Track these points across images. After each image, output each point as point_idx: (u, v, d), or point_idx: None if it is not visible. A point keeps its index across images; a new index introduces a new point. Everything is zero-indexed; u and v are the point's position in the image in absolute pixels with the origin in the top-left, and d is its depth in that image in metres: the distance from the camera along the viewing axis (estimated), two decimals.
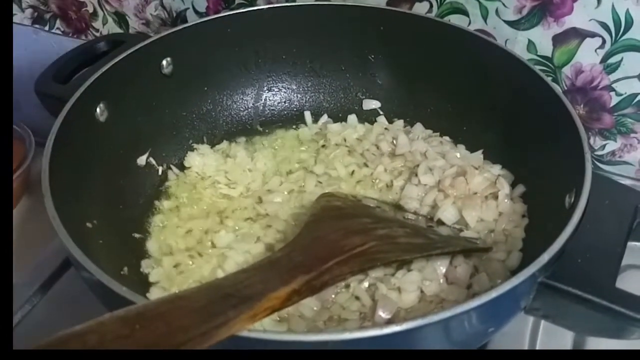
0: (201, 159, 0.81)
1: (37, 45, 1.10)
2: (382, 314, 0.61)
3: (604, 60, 0.79)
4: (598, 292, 0.50)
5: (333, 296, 0.64)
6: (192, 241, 0.71)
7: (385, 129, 0.86)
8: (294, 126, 0.88)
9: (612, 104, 0.82)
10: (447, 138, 0.83)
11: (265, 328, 0.60)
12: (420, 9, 0.84)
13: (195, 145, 0.82)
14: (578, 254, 0.53)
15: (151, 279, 0.67)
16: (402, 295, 0.63)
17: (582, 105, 0.84)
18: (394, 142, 0.82)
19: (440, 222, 0.72)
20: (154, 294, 0.65)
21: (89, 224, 0.61)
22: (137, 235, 0.71)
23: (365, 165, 0.81)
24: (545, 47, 0.81)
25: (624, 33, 0.76)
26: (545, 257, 0.48)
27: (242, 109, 0.87)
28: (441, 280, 0.65)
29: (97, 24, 1.05)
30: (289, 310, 0.62)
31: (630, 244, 0.55)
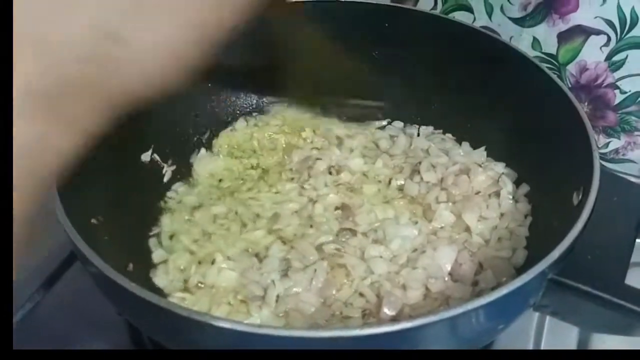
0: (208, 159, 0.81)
1: None
2: (387, 311, 0.61)
3: (608, 57, 0.79)
4: (607, 289, 0.50)
5: (334, 292, 0.64)
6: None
7: (380, 128, 0.85)
8: None
9: (616, 102, 0.83)
10: (449, 135, 0.83)
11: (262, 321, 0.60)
12: (424, 5, 0.84)
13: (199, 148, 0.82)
14: (587, 251, 0.52)
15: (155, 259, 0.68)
16: (407, 293, 0.63)
17: (586, 103, 0.84)
18: (394, 140, 0.82)
19: None
20: (159, 275, 0.66)
21: (94, 220, 0.61)
22: (143, 231, 0.70)
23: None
24: (550, 44, 0.81)
25: (629, 30, 0.76)
26: (555, 254, 0.48)
27: (245, 105, 0.87)
28: (446, 278, 0.65)
29: None
30: (288, 306, 0.62)
31: (639, 241, 0.55)
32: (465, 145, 0.81)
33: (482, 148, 0.79)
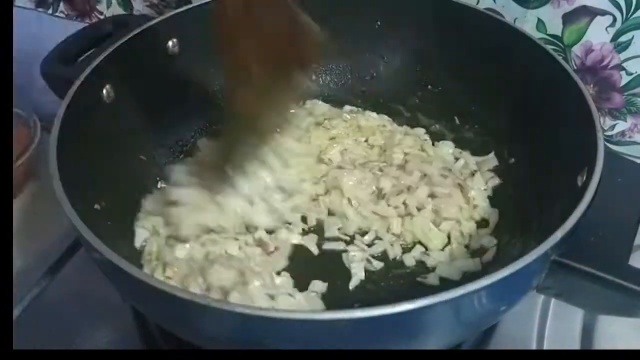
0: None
1: (40, 29, 1.09)
2: None
3: (614, 38, 0.78)
4: (611, 270, 0.49)
5: None
6: None
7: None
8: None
9: (622, 84, 0.81)
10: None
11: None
12: None
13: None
14: (591, 232, 0.52)
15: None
16: None
17: (591, 85, 0.83)
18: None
19: None
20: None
21: (97, 206, 0.61)
22: None
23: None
24: (554, 25, 0.80)
25: (635, 11, 0.75)
26: (558, 235, 0.48)
27: None
28: None
29: (101, 6, 1.04)
30: None
31: None
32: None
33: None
